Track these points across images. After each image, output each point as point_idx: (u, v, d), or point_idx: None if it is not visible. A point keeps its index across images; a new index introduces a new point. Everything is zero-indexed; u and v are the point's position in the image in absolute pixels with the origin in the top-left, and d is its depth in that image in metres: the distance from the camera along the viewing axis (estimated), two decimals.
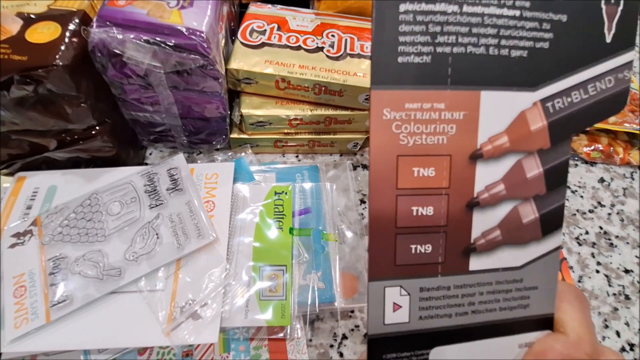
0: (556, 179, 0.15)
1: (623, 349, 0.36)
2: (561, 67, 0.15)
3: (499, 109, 0.14)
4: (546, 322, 0.16)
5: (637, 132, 0.48)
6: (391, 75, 0.13)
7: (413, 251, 0.15)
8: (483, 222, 0.15)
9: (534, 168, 0.15)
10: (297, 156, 0.46)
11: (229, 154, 0.44)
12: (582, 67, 0.15)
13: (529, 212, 0.15)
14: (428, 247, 0.15)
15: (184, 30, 0.32)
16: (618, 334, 0.36)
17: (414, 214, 0.14)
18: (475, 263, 0.15)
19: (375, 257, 0.15)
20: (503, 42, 0.14)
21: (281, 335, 0.32)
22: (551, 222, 0.15)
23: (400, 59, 0.13)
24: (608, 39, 0.15)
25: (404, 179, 0.14)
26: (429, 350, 0.15)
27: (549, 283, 0.16)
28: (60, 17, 0.32)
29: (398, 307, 0.15)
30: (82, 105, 0.33)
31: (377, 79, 0.13)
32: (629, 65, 0.15)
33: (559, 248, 0.16)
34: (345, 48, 0.41)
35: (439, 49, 0.14)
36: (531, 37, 0.14)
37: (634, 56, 0.15)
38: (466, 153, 0.14)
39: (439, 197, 0.15)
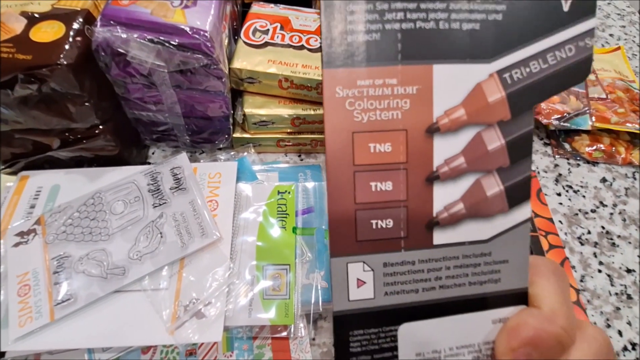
0: (520, 150, 0.15)
1: (625, 348, 0.36)
2: (517, 38, 0.14)
3: (454, 82, 0.14)
4: (520, 297, 0.16)
5: (639, 132, 0.48)
6: (342, 54, 0.14)
7: (374, 226, 0.15)
8: (445, 196, 0.15)
9: (495, 140, 0.15)
10: (299, 155, 0.46)
11: (232, 153, 0.44)
12: (539, 37, 0.15)
13: (493, 185, 0.15)
14: (389, 222, 0.15)
15: (187, 29, 0.32)
16: (620, 333, 0.37)
17: (373, 189, 0.14)
18: (440, 237, 0.15)
19: (335, 234, 0.14)
20: (453, 15, 0.14)
21: (284, 334, 0.32)
22: (517, 194, 0.15)
23: (349, 38, 0.14)
24: (565, 8, 0.14)
25: (361, 155, 0.14)
26: (397, 327, 0.15)
27: (519, 256, 0.16)
28: (64, 16, 0.32)
29: (362, 282, 0.15)
30: (86, 104, 0.33)
31: (328, 58, 0.14)
32: (590, 32, 0.15)
33: (528, 220, 0.15)
34: None
35: (388, 26, 0.14)
36: (482, 9, 0.14)
37: (595, 23, 0.15)
38: (422, 127, 0.14)
39: (397, 172, 0.14)
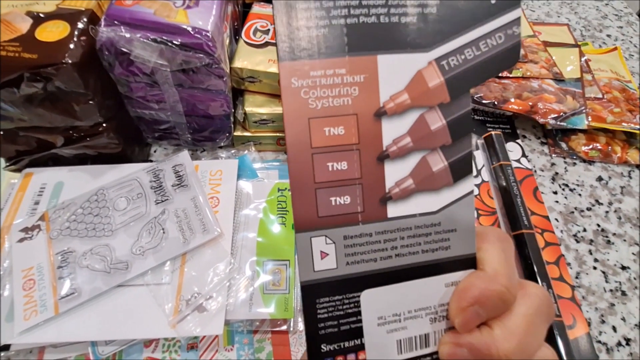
0: (460, 129, 0.17)
1: (619, 344, 0.36)
2: (451, 28, 0.16)
3: (397, 70, 0.16)
4: (469, 262, 0.17)
5: (635, 131, 0.49)
6: (295, 49, 0.15)
7: (333, 203, 0.16)
8: (395, 173, 0.16)
9: (437, 121, 0.16)
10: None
11: (233, 151, 0.44)
12: (471, 27, 0.16)
13: (438, 161, 0.17)
14: (347, 198, 0.16)
15: (189, 29, 0.33)
16: (614, 329, 0.37)
17: (330, 169, 0.16)
18: (393, 210, 0.16)
19: (299, 211, 0.16)
20: (392, 10, 0.15)
21: (284, 328, 0.33)
22: (460, 169, 0.17)
23: (300, 34, 0.15)
24: (493, 0, 0.16)
25: (317, 139, 0.15)
26: (359, 293, 0.16)
27: (466, 225, 0.17)
28: (69, 16, 0.33)
29: (325, 254, 0.16)
30: (90, 102, 0.34)
31: (283, 53, 0.15)
32: (516, 21, 0.16)
33: (471, 192, 0.17)
34: None
35: (334, 21, 0.15)
36: (418, 4, 0.15)
37: (520, 13, 0.16)
38: (371, 111, 0.16)
39: (350, 152, 0.16)
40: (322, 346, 0.16)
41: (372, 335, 0.17)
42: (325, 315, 0.16)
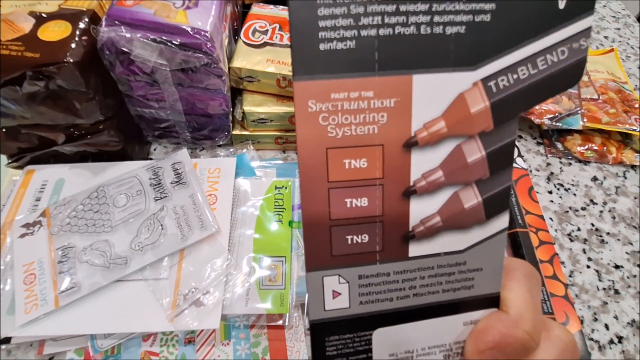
0: (501, 161, 0.14)
1: (611, 342, 0.37)
2: (506, 41, 0.13)
3: (434, 93, 0.13)
4: (492, 301, 0.16)
5: (630, 132, 0.49)
6: (314, 65, 0.12)
7: (349, 242, 0.14)
8: (421, 210, 0.14)
9: (475, 152, 0.14)
10: (297, 152, 0.47)
11: (231, 150, 0.45)
12: (531, 39, 0.13)
13: (471, 197, 0.15)
14: (365, 237, 0.14)
15: (189, 29, 0.33)
16: (607, 327, 0.38)
17: (348, 205, 0.14)
18: (415, 249, 0.15)
19: (311, 249, 0.14)
20: (436, 18, 0.13)
21: (280, 322, 0.33)
22: (496, 205, 0.15)
23: (322, 46, 0.12)
24: (561, 5, 0.13)
25: (335, 172, 0.14)
26: (371, 332, 0.15)
27: (494, 264, 0.15)
28: (71, 16, 0.33)
29: (337, 294, 0.15)
30: (91, 100, 0.35)
31: (299, 69, 0.12)
32: (586, 32, 0.13)
33: (504, 230, 0.15)
34: None
35: (364, 32, 0.12)
36: (469, 9, 0.13)
37: (592, 22, 0.13)
38: (399, 142, 0.14)
39: (373, 187, 0.14)
40: None
41: None
42: (334, 352, 0.15)
